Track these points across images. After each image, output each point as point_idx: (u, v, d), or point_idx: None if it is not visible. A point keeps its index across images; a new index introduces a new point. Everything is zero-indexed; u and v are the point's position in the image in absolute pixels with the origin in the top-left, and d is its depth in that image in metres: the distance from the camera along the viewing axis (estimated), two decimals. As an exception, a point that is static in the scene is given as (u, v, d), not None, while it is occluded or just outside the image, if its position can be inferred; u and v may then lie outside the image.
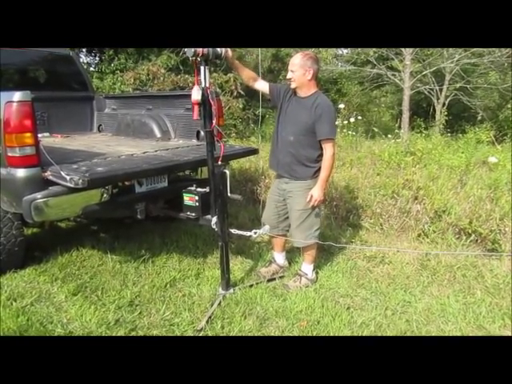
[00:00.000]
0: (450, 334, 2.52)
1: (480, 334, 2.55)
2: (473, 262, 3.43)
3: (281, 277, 3.19)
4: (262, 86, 3.01)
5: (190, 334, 2.47)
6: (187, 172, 3.69)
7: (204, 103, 2.62)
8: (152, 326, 2.53)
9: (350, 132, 7.44)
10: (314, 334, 2.48)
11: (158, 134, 4.10)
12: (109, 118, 4.77)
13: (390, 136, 7.62)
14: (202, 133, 3.81)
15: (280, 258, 3.33)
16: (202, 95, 2.61)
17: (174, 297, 2.88)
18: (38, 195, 2.54)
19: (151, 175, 3.02)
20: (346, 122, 7.38)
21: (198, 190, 2.90)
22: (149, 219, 3.72)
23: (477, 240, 3.67)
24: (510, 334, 2.55)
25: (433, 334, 2.52)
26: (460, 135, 7.58)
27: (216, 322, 2.58)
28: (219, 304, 2.76)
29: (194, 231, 3.95)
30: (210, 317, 2.61)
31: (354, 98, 11.07)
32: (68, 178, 2.45)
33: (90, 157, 3.02)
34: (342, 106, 7.98)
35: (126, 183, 3.11)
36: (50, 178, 2.60)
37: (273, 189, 3.17)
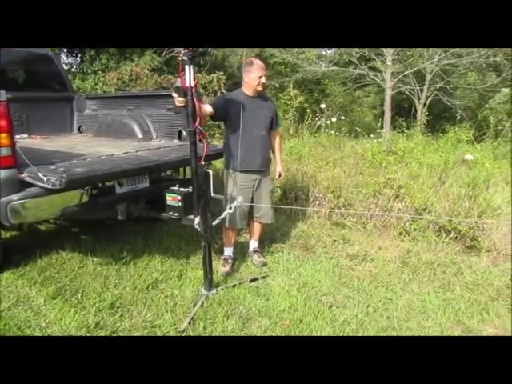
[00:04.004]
0: (430, 330, 2.55)
1: (459, 329, 2.59)
2: (452, 258, 3.49)
3: (264, 277, 3.19)
4: (210, 109, 3.09)
5: (172, 335, 2.45)
6: (169, 172, 3.68)
7: (188, 102, 2.62)
8: (133, 328, 2.50)
9: (332, 132, 7.51)
10: (297, 333, 2.48)
11: (139, 134, 4.06)
12: (89, 119, 4.70)
13: (372, 136, 7.70)
14: (184, 133, 3.81)
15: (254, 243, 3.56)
16: (185, 94, 2.60)
17: (155, 298, 2.85)
18: (15, 197, 2.50)
19: (131, 175, 2.99)
20: (328, 121, 7.44)
21: (181, 189, 2.89)
22: (131, 220, 3.69)
23: (456, 237, 3.74)
24: (488, 330, 2.60)
25: (413, 330, 2.55)
26: (441, 135, 7.69)
27: (198, 322, 2.56)
28: (202, 305, 2.74)
29: (176, 232, 3.92)
30: (192, 318, 2.59)
31: (337, 99, 11.16)
32: (45, 179, 2.41)
33: (68, 158, 2.97)
34: (323, 105, 8.03)
35: (107, 184, 3.08)
36: (27, 179, 2.55)
37: (241, 184, 3.18)
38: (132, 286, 2.99)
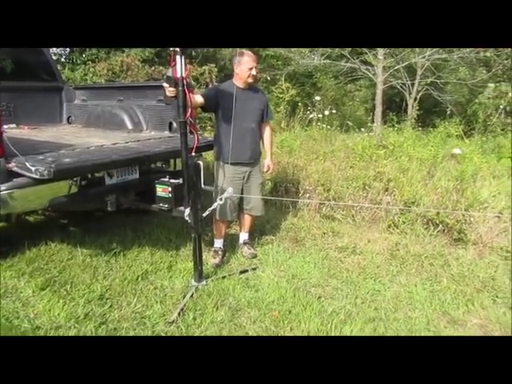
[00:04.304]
0: (417, 321, 2.59)
1: (445, 320, 2.63)
2: (440, 251, 3.54)
3: (253, 269, 3.21)
4: (201, 100, 3.10)
5: (161, 326, 2.46)
6: (160, 164, 3.66)
7: (179, 93, 2.61)
8: (122, 319, 2.50)
9: (324, 125, 7.53)
10: (286, 324, 2.50)
11: (129, 125, 4.04)
12: (79, 110, 4.66)
13: (363, 130, 7.74)
14: (175, 124, 3.79)
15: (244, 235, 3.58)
16: (176, 84, 2.59)
17: (145, 289, 2.85)
18: (2, 187, 2.47)
19: (121, 166, 2.98)
20: (320, 115, 7.45)
21: (172, 181, 2.89)
22: (121, 212, 3.68)
23: (444, 230, 3.79)
24: (472, 320, 2.65)
25: (400, 321, 2.58)
26: (431, 129, 7.75)
27: (188, 313, 2.57)
28: (191, 296, 2.75)
29: (166, 224, 3.91)
30: (181, 309, 2.60)
31: (328, 92, 11.16)
32: (33, 169, 2.39)
33: (57, 148, 2.95)
34: (318, 98, 8.05)
35: (96, 175, 3.06)
36: (15, 169, 2.52)
37: (231, 176, 3.19)
38: (121, 277, 2.99)
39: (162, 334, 2.37)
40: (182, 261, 3.29)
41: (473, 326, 2.59)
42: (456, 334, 2.49)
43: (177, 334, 2.38)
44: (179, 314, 2.54)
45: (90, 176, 2.95)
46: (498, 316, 2.67)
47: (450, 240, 3.75)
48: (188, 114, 2.67)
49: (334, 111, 8.92)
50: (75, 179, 2.74)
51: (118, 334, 2.35)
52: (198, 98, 3.05)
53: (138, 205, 3.31)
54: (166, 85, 2.68)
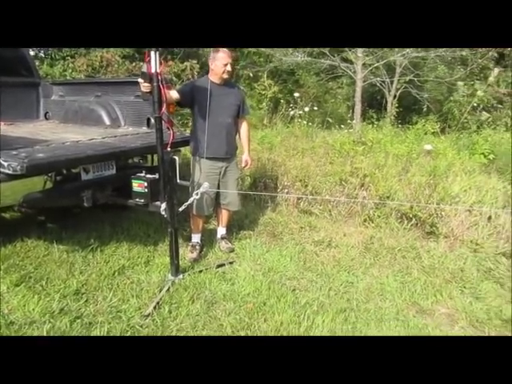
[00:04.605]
0: (387, 311, 2.68)
1: (414, 309, 2.73)
2: (412, 244, 3.65)
3: (230, 262, 3.25)
4: (177, 95, 3.10)
5: (136, 319, 2.48)
6: (137, 159, 3.67)
7: (153, 88, 2.62)
8: (98, 313, 2.52)
9: (305, 122, 7.60)
10: (260, 315, 2.56)
11: (106, 121, 4.02)
12: (56, 105, 4.60)
13: (343, 126, 7.84)
14: (153, 120, 3.79)
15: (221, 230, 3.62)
16: (151, 79, 2.60)
17: (121, 284, 2.87)
18: (-25, 183, 2.45)
19: (96, 162, 2.98)
20: (301, 112, 7.51)
21: (148, 176, 2.91)
22: (99, 208, 3.67)
23: (417, 224, 3.90)
24: (440, 310, 2.75)
25: (371, 311, 2.67)
26: (410, 126, 7.90)
27: (164, 307, 2.60)
28: (168, 290, 2.78)
29: (145, 219, 3.92)
30: (157, 302, 2.63)
31: (310, 89, 11.23)
32: (6, 164, 2.38)
33: (32, 143, 2.92)
34: (296, 94, 8.12)
35: (73, 170, 3.05)
36: (-12, 164, 2.50)
37: (207, 171, 3.21)
38: (98, 272, 3.00)
39: (138, 327, 2.40)
40: (160, 255, 3.31)
41: (440, 315, 2.69)
42: (424, 322, 2.58)
43: (152, 327, 2.41)
44: (155, 307, 2.57)
45: (65, 172, 2.94)
46: (465, 305, 2.79)
47: (422, 233, 3.86)
48: (163, 110, 2.69)
49: (315, 108, 9.00)
50: (50, 175, 2.74)
51: (92, 329, 2.37)
52: (174, 94, 3.07)
53: (114, 200, 3.31)
54: (140, 80, 2.69)
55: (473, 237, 3.71)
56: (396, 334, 2.42)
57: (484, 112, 7.00)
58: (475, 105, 6.95)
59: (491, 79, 7.21)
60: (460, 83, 7.32)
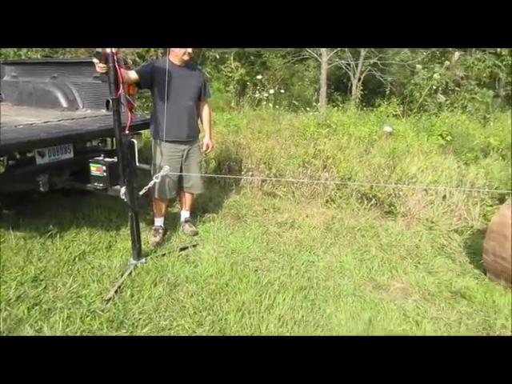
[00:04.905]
0: (345, 287, 2.78)
1: (370, 285, 2.84)
2: (372, 223, 3.78)
3: (194, 245, 3.27)
4: (135, 76, 3.02)
5: (97, 304, 2.47)
6: (96, 143, 3.58)
7: (109, 69, 2.55)
8: (57, 300, 2.48)
9: (271, 105, 7.61)
10: (222, 296, 2.60)
11: (63, 103, 3.88)
12: (9, 87, 4.39)
13: (309, 109, 7.90)
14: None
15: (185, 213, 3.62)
16: (107, 60, 2.53)
17: (82, 270, 2.83)
18: None
19: (51, 145, 2.88)
20: (266, 94, 7.51)
21: (106, 159, 2.86)
22: (59, 193, 3.58)
23: (376, 204, 4.03)
24: (395, 285, 2.88)
25: (330, 288, 2.76)
26: (374, 109, 8.05)
27: (125, 290, 2.60)
28: (130, 274, 2.77)
29: (107, 204, 3.86)
30: (119, 286, 2.62)
31: (277, 72, 11.20)
32: (-49, 148, 2.27)
33: (-19, 127, 2.80)
34: (259, 77, 8.09)
35: (28, 154, 2.95)
36: None
37: (168, 154, 3.18)
38: (57, 258, 2.94)
39: (98, 312, 2.39)
40: (122, 240, 3.28)
41: (395, 289, 2.82)
42: (379, 297, 2.69)
43: (114, 311, 2.40)
44: (116, 291, 2.57)
45: (18, 156, 2.84)
46: (418, 280, 2.93)
47: (381, 213, 4.00)
48: (120, 91, 2.62)
49: (282, 91, 9.00)
50: (1, 159, 2.63)
51: (51, 315, 2.34)
52: (133, 75, 2.99)
53: (72, 185, 3.23)
54: (95, 60, 2.61)
55: (428, 215, 3.87)
56: (352, 309, 2.53)
57: (440, 95, 7.21)
58: (434, 88, 7.16)
59: (448, 63, 7.41)
60: (419, 66, 7.49)
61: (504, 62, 7.94)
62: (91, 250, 3.11)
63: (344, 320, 2.42)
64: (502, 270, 2.85)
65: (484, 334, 2.36)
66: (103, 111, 3.78)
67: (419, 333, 2.33)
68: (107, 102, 3.79)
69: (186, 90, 3.16)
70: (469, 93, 7.31)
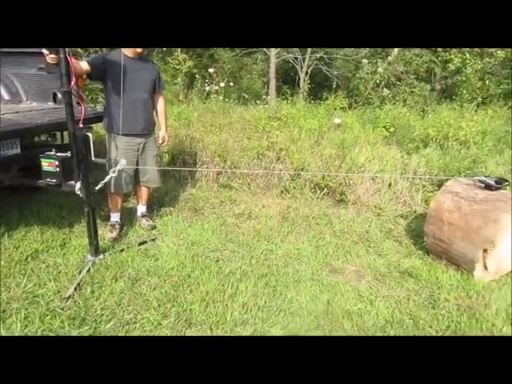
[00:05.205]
0: (303, 273, 2.91)
1: (327, 269, 2.99)
2: (325, 211, 3.95)
3: (152, 239, 3.25)
4: (87, 67, 2.94)
5: (56, 302, 2.40)
6: (44, 137, 3.44)
7: (61, 60, 2.46)
8: (12, 300, 2.38)
9: (221, 98, 7.61)
10: (185, 287, 2.63)
11: (5, 96, 3.67)
12: None
13: (259, 102, 8.00)
14: (59, 95, 3.56)
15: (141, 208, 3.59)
16: (58, 50, 2.44)
17: (36, 269, 2.73)
18: None
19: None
20: (217, 87, 7.50)
21: (58, 154, 2.77)
22: (4, 190, 3.40)
23: (328, 193, 4.21)
24: (350, 268, 3.05)
25: (290, 274, 2.87)
26: (321, 102, 8.31)
27: (85, 287, 2.55)
28: (88, 270, 2.72)
29: (58, 201, 3.72)
30: (78, 284, 2.56)
31: (225, 65, 11.19)
32: None
33: None
34: (211, 70, 8.06)
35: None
36: None
37: (124, 148, 3.14)
38: (8, 258, 2.81)
39: (58, 310, 2.33)
40: (77, 237, 3.19)
41: (350, 272, 2.99)
42: (336, 280, 2.85)
43: (74, 309, 2.35)
44: (75, 288, 2.51)
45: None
46: (370, 262, 3.12)
47: (333, 201, 4.19)
48: (72, 83, 2.54)
49: (231, 84, 9.03)
50: None
51: (7, 316, 2.25)
52: (84, 65, 2.90)
53: (21, 181, 3.09)
54: (45, 51, 2.51)
55: (376, 202, 4.12)
56: (311, 292, 2.66)
57: (385, 89, 7.62)
58: (378, 82, 7.53)
59: (391, 58, 7.83)
60: (365, 61, 7.84)
61: (439, 58, 8.51)
62: (44, 248, 3.00)
63: (304, 303, 2.55)
64: (442, 251, 3.11)
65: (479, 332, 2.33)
66: (50, 104, 3.62)
67: (372, 310, 2.51)
68: (54, 94, 3.65)
69: (141, 82, 3.12)
70: (408, 86, 7.77)
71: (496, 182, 3.02)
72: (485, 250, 2.83)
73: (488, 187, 3.02)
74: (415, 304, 2.60)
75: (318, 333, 2.28)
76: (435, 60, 8.47)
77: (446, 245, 3.06)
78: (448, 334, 2.32)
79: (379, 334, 2.30)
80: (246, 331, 2.25)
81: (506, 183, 3.08)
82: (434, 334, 2.32)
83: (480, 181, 3.09)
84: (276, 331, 2.26)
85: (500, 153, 4.76)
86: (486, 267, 2.87)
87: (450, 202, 3.07)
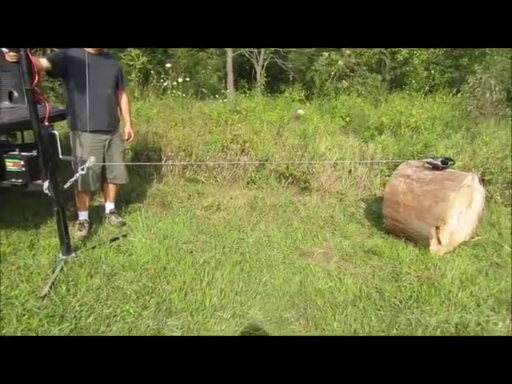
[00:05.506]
0: (275, 258, 3.04)
1: (297, 253, 3.14)
2: (291, 199, 4.10)
3: (124, 235, 3.26)
4: (47, 64, 2.89)
5: (32, 302, 2.38)
6: (4, 138, 3.34)
7: (21, 58, 2.41)
8: (-15, 304, 2.34)
9: (179, 93, 7.57)
10: (162, 279, 2.68)
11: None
12: None
13: (217, 96, 8.03)
14: (16, 93, 3.46)
15: (109, 205, 3.59)
16: (18, 49, 2.39)
17: (6, 271, 2.68)
18: None
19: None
20: (174, 83, 7.46)
21: (23, 154, 2.70)
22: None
23: (293, 181, 4.37)
24: (318, 251, 3.22)
25: (262, 260, 2.99)
26: (278, 95, 8.47)
27: (60, 286, 2.53)
28: (61, 269, 2.70)
29: (20, 203, 3.62)
30: (52, 282, 2.54)
31: (181, 60, 11.10)
32: None
33: None
34: (168, 65, 8.00)
35: None
36: None
37: (90, 145, 3.12)
38: (-26, 263, 2.74)
39: (35, 310, 2.31)
40: (45, 238, 3.14)
41: (318, 254, 3.15)
42: (306, 262, 3.00)
43: (51, 307, 2.35)
44: (51, 287, 2.49)
45: None
46: (336, 244, 3.31)
47: (298, 189, 4.36)
48: (35, 81, 2.50)
49: (188, 79, 8.98)
50: None
51: (-19, 319, 2.21)
52: (43, 62, 2.85)
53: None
54: (5, 49, 2.45)
55: (338, 188, 4.33)
56: (284, 275, 2.79)
57: (344, 81, 7.90)
58: (333, 73, 7.79)
59: (347, 51, 8.12)
60: (325, 54, 8.09)
61: (388, 49, 8.91)
62: (12, 250, 2.93)
63: (278, 285, 2.68)
64: (400, 231, 3.35)
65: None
66: (6, 103, 3.50)
67: (342, 287, 2.68)
68: (10, 93, 3.53)
69: (104, 78, 3.11)
70: (361, 77, 8.09)
71: (442, 162, 3.26)
72: (437, 227, 3.08)
73: (435, 168, 3.26)
74: (380, 278, 2.80)
75: (294, 311, 2.42)
76: (384, 51, 8.86)
77: (403, 225, 3.29)
78: (410, 303, 2.53)
79: (350, 307, 2.47)
80: (226, 315, 2.34)
81: (451, 162, 3.33)
82: (398, 303, 2.52)
83: (428, 162, 3.33)
84: (254, 312, 2.38)
85: (448, 136, 5.11)
86: (439, 242, 3.12)
87: (403, 184, 3.30)
